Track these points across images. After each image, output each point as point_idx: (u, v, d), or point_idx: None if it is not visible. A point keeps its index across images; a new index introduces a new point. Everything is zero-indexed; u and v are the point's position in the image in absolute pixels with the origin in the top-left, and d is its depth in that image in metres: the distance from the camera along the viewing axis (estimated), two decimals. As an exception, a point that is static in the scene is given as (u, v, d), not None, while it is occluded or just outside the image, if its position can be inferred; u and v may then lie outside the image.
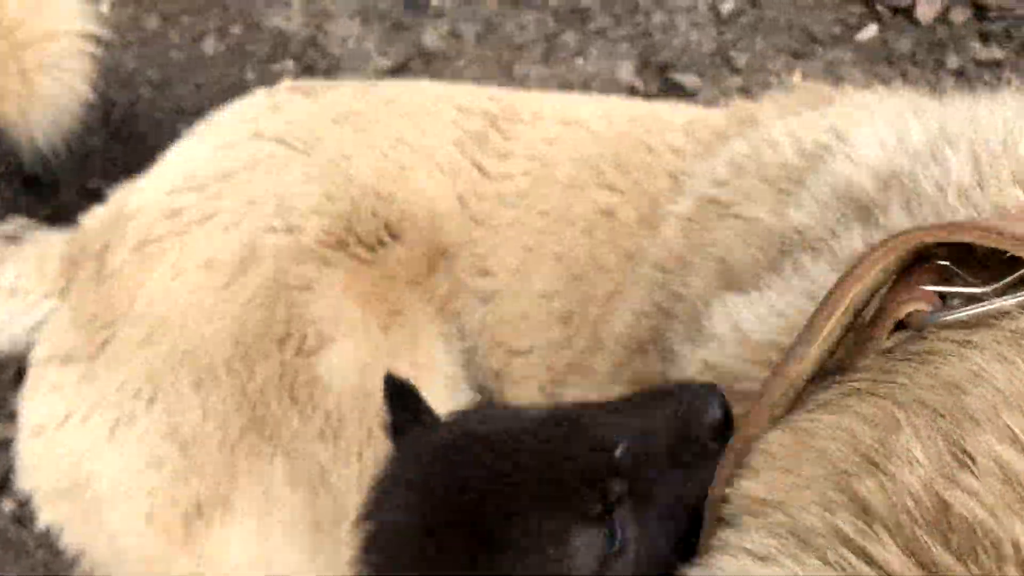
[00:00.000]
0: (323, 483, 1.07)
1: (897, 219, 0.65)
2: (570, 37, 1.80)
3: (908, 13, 1.56)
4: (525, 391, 1.06)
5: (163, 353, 1.11)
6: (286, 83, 1.30)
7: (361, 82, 1.37)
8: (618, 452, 0.62)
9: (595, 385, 0.99)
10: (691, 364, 0.77)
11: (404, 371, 1.09)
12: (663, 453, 0.62)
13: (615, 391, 1.00)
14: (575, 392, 1.01)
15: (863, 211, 0.70)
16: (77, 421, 1.12)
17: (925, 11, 1.53)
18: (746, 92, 1.62)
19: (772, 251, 0.78)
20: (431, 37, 1.85)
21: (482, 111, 1.20)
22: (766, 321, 0.68)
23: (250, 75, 1.79)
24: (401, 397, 0.76)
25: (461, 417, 0.73)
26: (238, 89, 1.78)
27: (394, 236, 1.14)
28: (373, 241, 1.14)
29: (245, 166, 1.19)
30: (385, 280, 1.13)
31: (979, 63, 1.47)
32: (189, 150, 1.26)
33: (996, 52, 1.48)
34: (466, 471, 0.64)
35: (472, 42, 1.85)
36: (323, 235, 1.13)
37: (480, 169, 1.15)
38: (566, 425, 0.64)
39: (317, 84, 1.30)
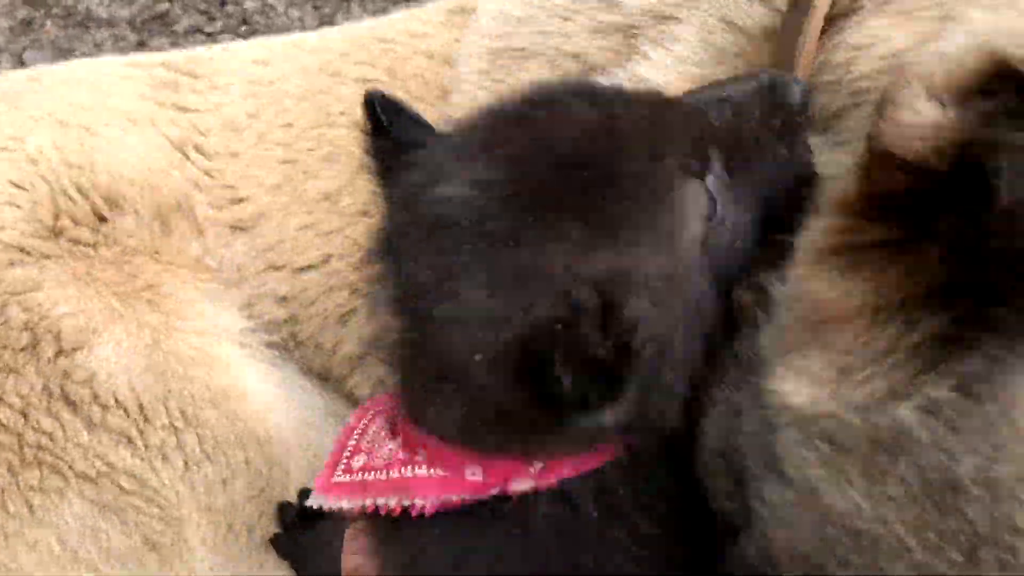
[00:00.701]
0: (143, 495, 0.88)
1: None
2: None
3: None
4: (330, 305, 0.97)
5: None
6: None
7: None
8: (713, 116, 0.60)
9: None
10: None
11: (192, 343, 0.95)
12: (757, 120, 0.61)
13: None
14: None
15: None
16: None
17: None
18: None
19: (621, 40, 0.82)
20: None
21: (160, 63, 1.08)
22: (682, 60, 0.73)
23: None
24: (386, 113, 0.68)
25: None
26: None
27: (113, 206, 0.97)
28: (91, 220, 0.96)
29: None
30: (125, 256, 0.96)
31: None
32: None
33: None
34: (561, 118, 0.59)
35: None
36: (27, 227, 0.93)
37: (183, 108, 1.03)
38: (652, 93, 0.62)
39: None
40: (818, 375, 0.58)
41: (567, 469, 0.63)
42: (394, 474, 0.66)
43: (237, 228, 0.99)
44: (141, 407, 0.88)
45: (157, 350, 0.91)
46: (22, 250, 0.92)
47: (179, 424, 0.89)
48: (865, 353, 0.56)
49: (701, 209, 0.59)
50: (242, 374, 0.96)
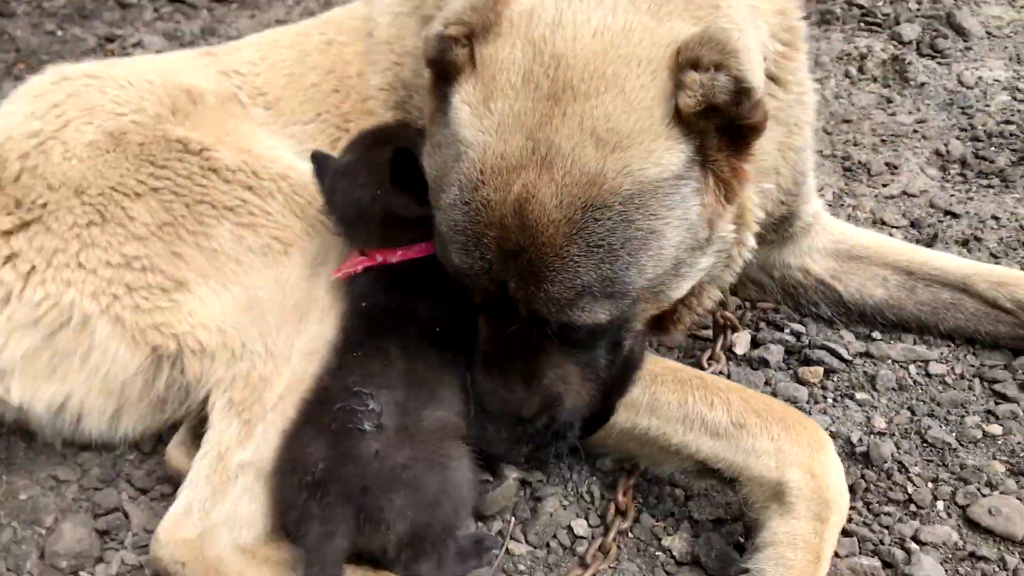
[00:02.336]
0: (264, 216, 1.73)
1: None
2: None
3: None
4: (323, 140, 1.91)
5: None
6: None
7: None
8: None
9: (375, 119, 1.91)
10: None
11: (268, 152, 1.84)
12: None
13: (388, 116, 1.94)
14: (356, 124, 1.92)
15: None
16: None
17: None
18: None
19: None
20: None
21: (205, 51, 2.04)
22: None
23: None
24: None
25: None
26: None
27: (198, 99, 1.87)
28: (188, 106, 1.85)
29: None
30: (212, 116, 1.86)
31: None
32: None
33: None
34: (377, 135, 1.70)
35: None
36: (158, 107, 1.82)
37: (220, 61, 1.97)
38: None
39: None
40: None
41: (407, 254, 1.66)
42: (357, 258, 1.68)
43: (266, 107, 1.92)
44: (254, 171, 1.74)
45: (251, 153, 1.79)
46: (158, 116, 1.80)
47: (277, 178, 1.76)
48: None
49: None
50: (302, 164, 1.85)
